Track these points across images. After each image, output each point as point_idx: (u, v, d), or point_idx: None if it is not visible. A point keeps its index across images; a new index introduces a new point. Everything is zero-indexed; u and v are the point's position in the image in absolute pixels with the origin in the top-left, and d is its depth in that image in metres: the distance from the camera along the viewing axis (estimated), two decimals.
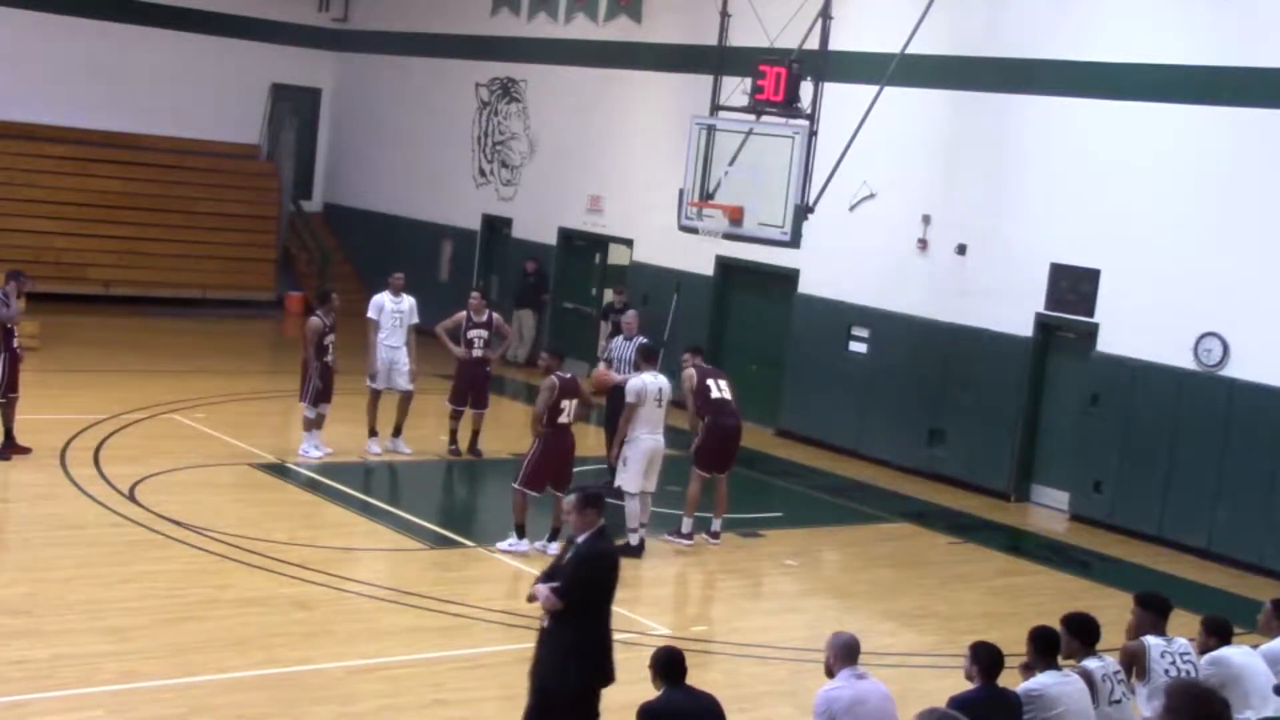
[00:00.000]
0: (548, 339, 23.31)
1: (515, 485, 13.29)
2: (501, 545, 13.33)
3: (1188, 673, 8.42)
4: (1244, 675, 8.41)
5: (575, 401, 13.32)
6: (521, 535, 13.28)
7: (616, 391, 15.01)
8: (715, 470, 14.40)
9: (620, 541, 13.86)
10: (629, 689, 8.24)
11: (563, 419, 13.23)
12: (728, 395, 14.57)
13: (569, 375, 13.48)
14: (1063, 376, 17.62)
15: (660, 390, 13.93)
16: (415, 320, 16.79)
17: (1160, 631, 8.61)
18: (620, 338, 16.16)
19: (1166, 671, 8.37)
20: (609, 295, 18.02)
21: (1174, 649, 8.50)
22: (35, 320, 19.41)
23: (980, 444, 18.07)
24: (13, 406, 14.81)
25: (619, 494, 13.90)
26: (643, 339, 15.88)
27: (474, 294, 17.21)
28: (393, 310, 16.63)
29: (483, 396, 16.92)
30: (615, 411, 15.13)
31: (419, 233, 26.55)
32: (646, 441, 13.80)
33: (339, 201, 29.37)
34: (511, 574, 12.82)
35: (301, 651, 10.53)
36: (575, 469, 13.71)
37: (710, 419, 14.34)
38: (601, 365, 15.97)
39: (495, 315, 17.12)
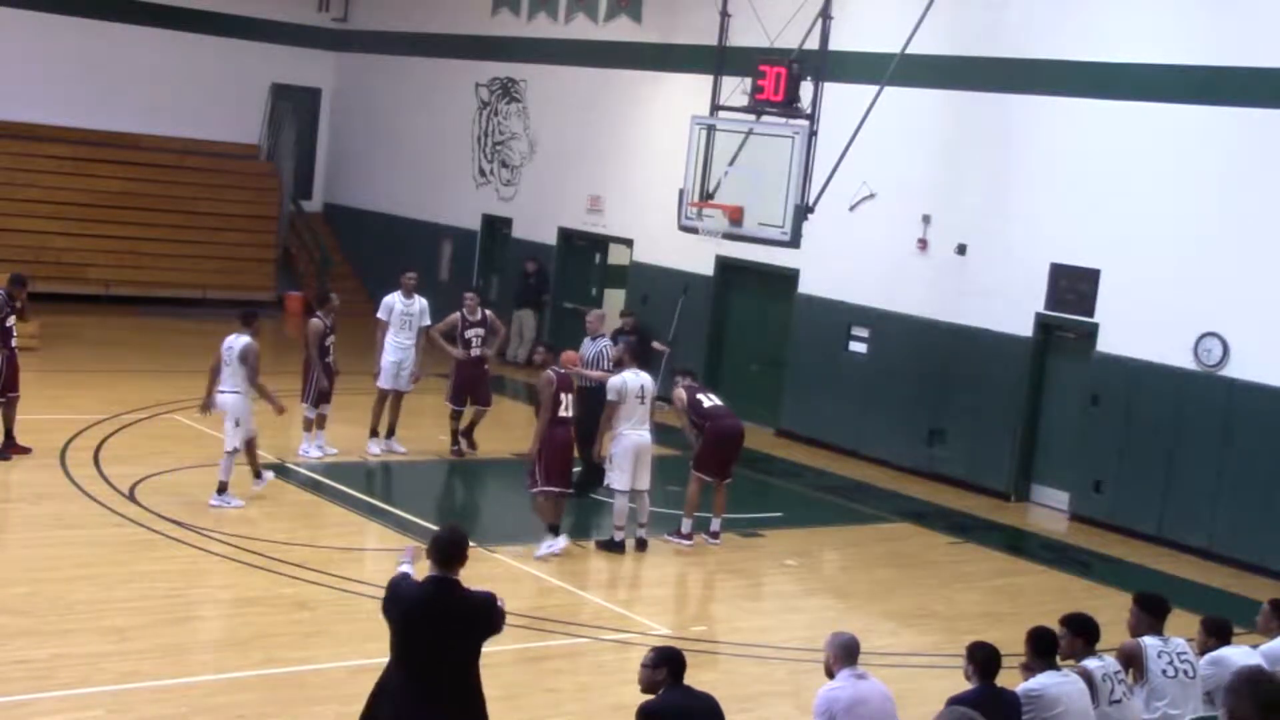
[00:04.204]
0: (547, 339, 23.30)
1: (533, 491, 13.32)
2: (540, 551, 13.29)
3: (1185, 673, 8.43)
4: None
5: (572, 396, 13.41)
6: (557, 534, 13.29)
7: (591, 392, 15.07)
8: (715, 475, 14.38)
9: (604, 538, 13.93)
10: (626, 689, 8.24)
11: (562, 412, 13.27)
12: (720, 402, 14.73)
13: (563, 370, 13.56)
14: (1063, 376, 17.62)
15: (642, 387, 13.95)
16: (427, 322, 16.74)
17: (1157, 632, 8.62)
18: (586, 338, 16.11)
19: (1164, 672, 8.38)
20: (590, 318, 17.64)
21: (1171, 649, 8.51)
22: (35, 320, 19.39)
23: (980, 444, 18.07)
24: (13, 406, 14.82)
25: (609, 490, 14.08)
26: (608, 339, 15.93)
27: (468, 294, 17.19)
28: (403, 311, 16.61)
29: (484, 394, 16.93)
30: (588, 409, 15.16)
31: (419, 233, 26.55)
32: (630, 437, 13.82)
33: (339, 201, 29.37)
34: (513, 574, 12.81)
35: (301, 651, 10.53)
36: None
37: (710, 424, 14.37)
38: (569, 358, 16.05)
39: (489, 313, 17.16)
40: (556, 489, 13.33)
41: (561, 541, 13.28)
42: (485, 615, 6.90)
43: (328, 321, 15.82)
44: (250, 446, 14.06)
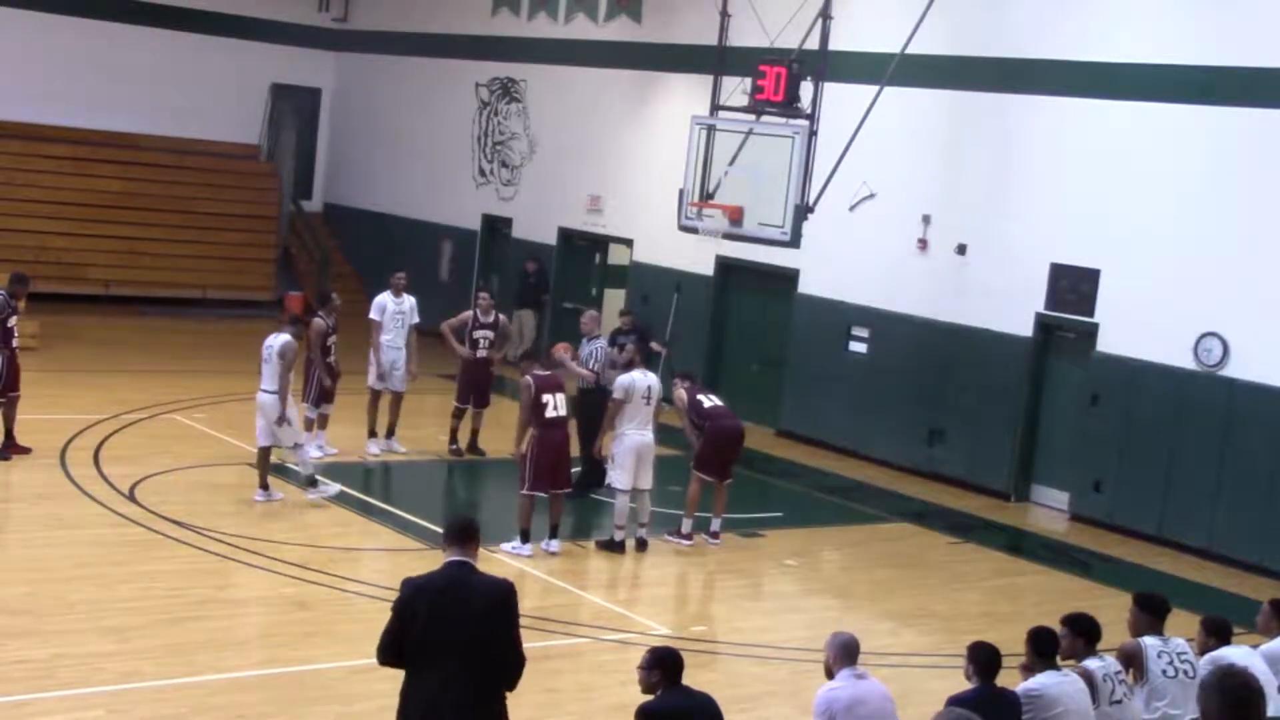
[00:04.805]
0: (548, 339, 23.33)
1: (522, 492, 13.32)
2: (505, 547, 13.34)
3: (1185, 673, 8.43)
4: None
5: (561, 395, 13.41)
6: (525, 540, 13.30)
7: (588, 392, 15.13)
8: (716, 476, 14.39)
9: (604, 538, 13.94)
10: (622, 690, 8.24)
11: (550, 413, 13.26)
12: (720, 403, 14.75)
13: (547, 373, 13.61)
14: (1063, 376, 17.62)
15: (649, 388, 13.99)
16: (416, 320, 16.82)
17: (1157, 632, 8.61)
18: (584, 339, 16.13)
19: (1164, 672, 8.38)
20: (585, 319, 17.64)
21: (1171, 649, 8.50)
22: (35, 320, 19.41)
23: (980, 444, 18.07)
24: (13, 406, 14.82)
25: (611, 490, 14.12)
26: (604, 340, 15.95)
27: (482, 295, 17.26)
28: (394, 311, 16.66)
29: (484, 396, 16.97)
30: (588, 409, 15.20)
31: (419, 233, 26.55)
32: (633, 438, 13.84)
33: (339, 201, 29.37)
34: (514, 574, 12.81)
35: (301, 651, 10.54)
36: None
37: (710, 424, 14.38)
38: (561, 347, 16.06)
39: (502, 317, 17.21)
40: (544, 492, 13.32)
41: (526, 549, 13.27)
42: (504, 598, 6.71)
43: (329, 321, 15.83)
44: (265, 455, 14.15)
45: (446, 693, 6.53)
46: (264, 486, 14.15)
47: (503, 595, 6.71)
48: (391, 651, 6.66)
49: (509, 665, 6.67)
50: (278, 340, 14.05)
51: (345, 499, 14.69)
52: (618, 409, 13.89)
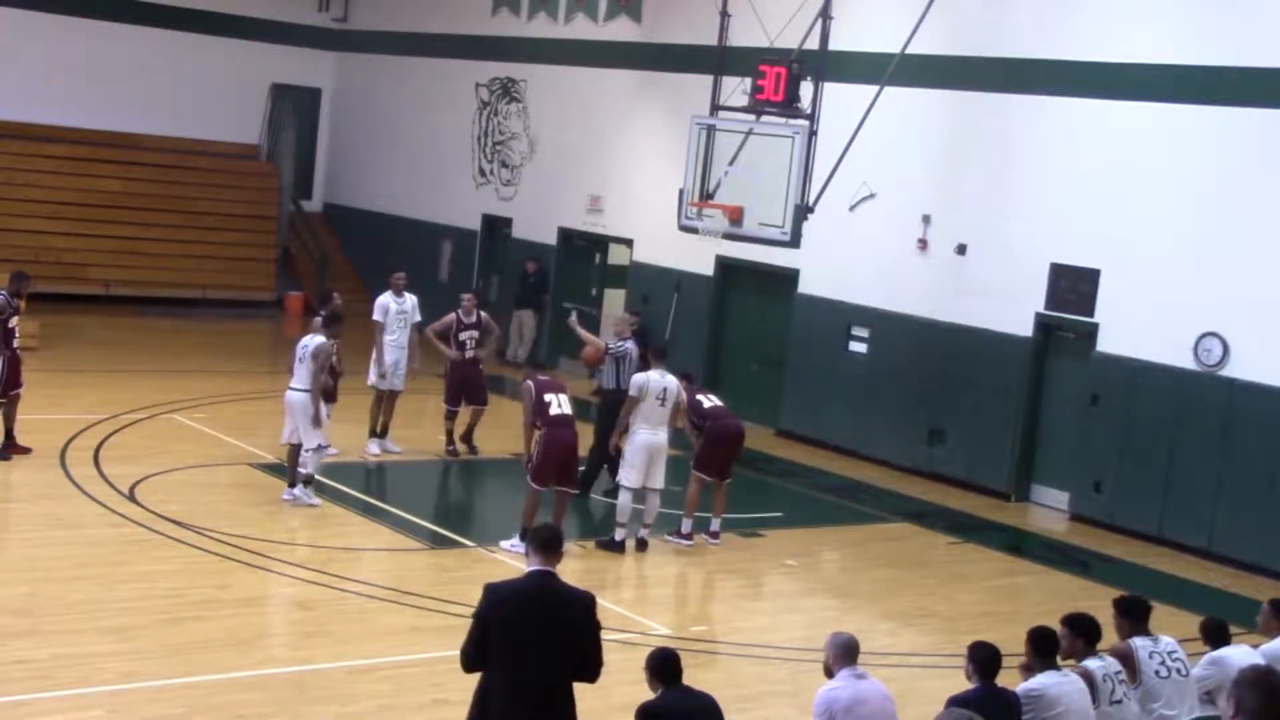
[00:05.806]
0: (548, 339, 23.38)
1: (529, 481, 13.35)
2: (504, 544, 13.35)
3: (1178, 670, 8.44)
4: None
5: (564, 395, 13.45)
6: (524, 538, 13.28)
7: (610, 392, 15.24)
8: (715, 475, 14.40)
9: (604, 538, 13.94)
10: (628, 689, 8.23)
11: (555, 410, 13.28)
12: (720, 403, 14.79)
13: (545, 377, 13.73)
14: (1063, 376, 17.62)
15: (664, 390, 14.00)
16: (418, 318, 16.86)
17: (1143, 633, 8.60)
18: (615, 339, 16.24)
19: (1156, 672, 8.38)
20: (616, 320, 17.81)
21: (1161, 649, 8.50)
22: (35, 320, 19.40)
23: (980, 444, 18.07)
24: (14, 405, 14.81)
25: (617, 489, 14.17)
26: (632, 343, 16.00)
27: (465, 295, 17.28)
28: (397, 311, 16.70)
29: (479, 394, 16.97)
30: (607, 410, 15.22)
31: (419, 233, 26.56)
32: (644, 437, 13.87)
33: (339, 201, 29.38)
34: (513, 572, 12.78)
35: (301, 651, 10.54)
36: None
37: (710, 424, 14.41)
38: (575, 318, 16.32)
39: (484, 314, 17.23)
40: (539, 486, 13.29)
41: (524, 548, 13.26)
42: (587, 609, 6.87)
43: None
44: (295, 453, 14.18)
45: (524, 695, 6.69)
46: (292, 485, 14.17)
47: (585, 606, 6.90)
48: (475, 656, 6.79)
49: (586, 668, 6.87)
50: (313, 341, 14.16)
51: (345, 499, 14.69)
52: (632, 406, 13.93)
